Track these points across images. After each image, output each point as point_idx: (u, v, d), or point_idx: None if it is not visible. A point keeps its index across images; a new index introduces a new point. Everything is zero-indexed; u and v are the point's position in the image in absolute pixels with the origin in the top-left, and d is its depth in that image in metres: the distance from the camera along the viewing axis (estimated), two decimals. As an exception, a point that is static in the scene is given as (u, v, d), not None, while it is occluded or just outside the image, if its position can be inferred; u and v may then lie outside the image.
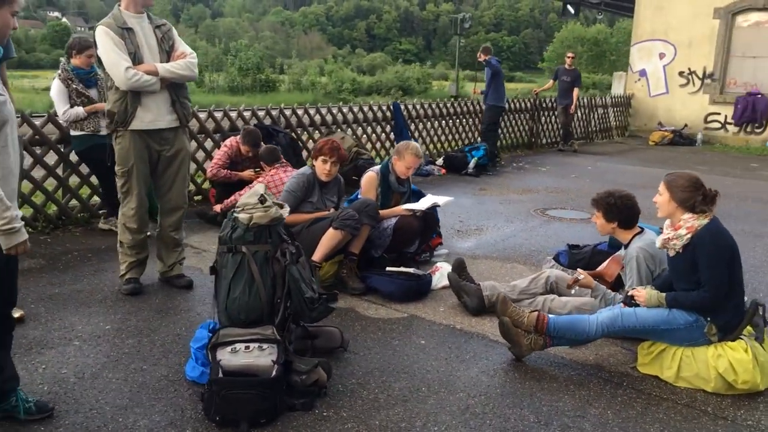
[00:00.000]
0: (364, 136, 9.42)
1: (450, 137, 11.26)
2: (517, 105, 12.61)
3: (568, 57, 13.20)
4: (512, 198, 8.33)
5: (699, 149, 14.42)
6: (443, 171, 9.96)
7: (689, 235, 3.36)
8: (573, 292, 4.13)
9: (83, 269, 4.96)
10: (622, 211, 3.97)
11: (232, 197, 6.11)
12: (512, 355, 3.71)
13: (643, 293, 3.56)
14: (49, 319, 4.01)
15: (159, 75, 4.17)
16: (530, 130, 13.11)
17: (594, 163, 11.62)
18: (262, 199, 3.36)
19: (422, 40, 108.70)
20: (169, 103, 4.31)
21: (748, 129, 14.82)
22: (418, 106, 10.53)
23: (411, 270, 4.69)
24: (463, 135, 11.49)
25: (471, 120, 11.61)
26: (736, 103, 14.76)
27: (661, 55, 15.87)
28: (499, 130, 11.59)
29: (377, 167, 5.19)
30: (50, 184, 5.98)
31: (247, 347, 3.14)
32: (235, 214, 3.35)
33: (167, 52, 4.30)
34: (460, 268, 4.58)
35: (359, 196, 5.12)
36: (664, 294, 3.50)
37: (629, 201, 3.99)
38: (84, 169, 6.12)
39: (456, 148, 10.96)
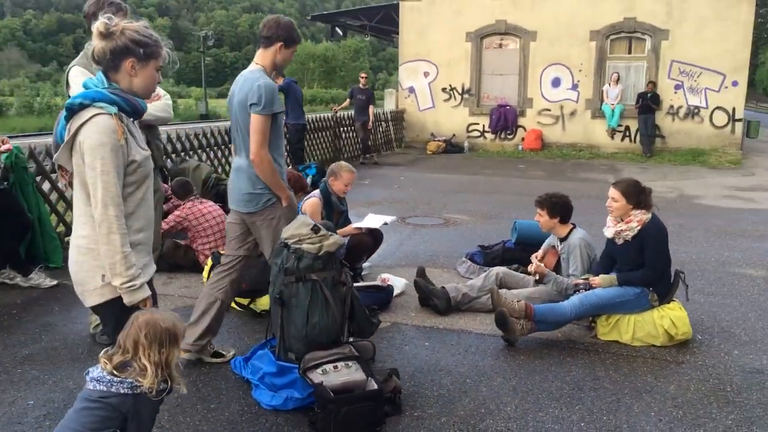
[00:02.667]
0: (208, 161, 9.36)
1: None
2: (320, 124, 13.32)
3: (362, 77, 14.28)
4: (363, 212, 8.97)
5: (469, 155, 16.52)
6: (281, 190, 10.25)
7: (639, 227, 4.36)
8: (537, 278, 4.93)
9: (25, 329, 4.53)
10: (563, 208, 4.88)
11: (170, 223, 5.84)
12: (504, 342, 4.41)
13: (598, 280, 4.49)
14: (35, 385, 3.73)
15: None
16: (333, 146, 13.91)
17: (401, 174, 12.80)
18: (315, 229, 3.61)
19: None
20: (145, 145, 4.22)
21: (502, 136, 17.31)
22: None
23: (374, 283, 5.13)
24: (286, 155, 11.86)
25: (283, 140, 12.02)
26: (491, 114, 17.16)
27: (426, 74, 17.77)
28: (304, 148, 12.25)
29: (316, 192, 5.50)
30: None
31: (335, 367, 3.41)
32: (296, 246, 3.55)
33: None
34: (423, 275, 5.14)
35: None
36: (614, 276, 4.47)
37: (567, 200, 4.92)
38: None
39: (289, 167, 11.29)
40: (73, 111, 2.44)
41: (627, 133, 16.50)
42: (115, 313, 2.54)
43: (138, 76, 2.54)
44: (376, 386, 3.34)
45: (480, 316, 4.92)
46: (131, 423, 2.28)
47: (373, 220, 5.53)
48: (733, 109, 15.77)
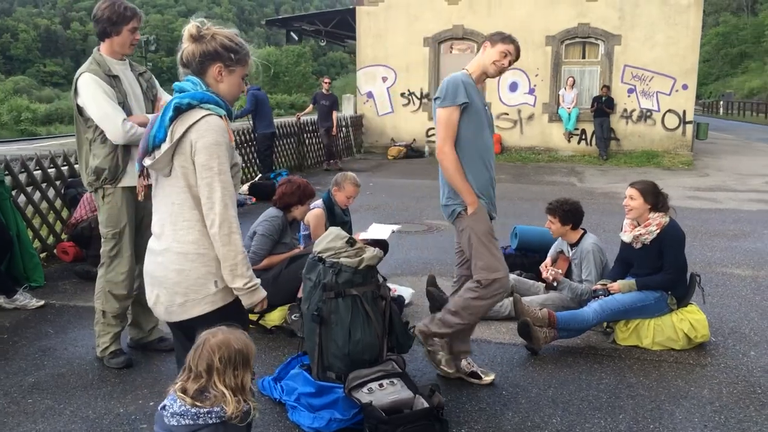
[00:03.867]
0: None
1: (245, 166, 11.32)
2: (285, 130, 13.10)
3: (325, 83, 14.11)
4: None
5: (430, 160, 16.51)
6: (254, 199, 10.02)
7: (658, 231, 4.37)
8: (547, 285, 4.89)
9: (23, 354, 4.23)
10: (575, 215, 4.87)
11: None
12: (527, 350, 4.35)
13: (616, 285, 4.49)
14: (51, 416, 3.47)
15: None
16: (298, 152, 13.69)
17: (369, 180, 12.66)
18: (351, 242, 3.48)
19: (71, 60, 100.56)
20: None
21: (462, 140, 17.37)
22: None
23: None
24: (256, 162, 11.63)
25: (252, 148, 11.77)
26: (451, 119, 17.20)
27: (384, 79, 17.71)
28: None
29: (319, 202, 5.33)
30: None
31: (380, 385, 3.28)
32: (333, 260, 3.40)
33: (152, 102, 3.99)
34: (434, 283, 5.04)
35: (308, 234, 5.22)
36: (633, 281, 4.47)
37: (578, 206, 4.91)
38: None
39: (258, 176, 11.06)
40: (180, 111, 2.30)
41: (583, 136, 16.82)
42: (216, 320, 2.34)
43: (224, 82, 2.44)
44: (425, 404, 3.22)
45: (495, 325, 4.85)
46: None
47: (378, 230, 5.39)
48: (684, 112, 16.26)
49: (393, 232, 5.40)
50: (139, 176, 2.52)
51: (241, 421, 2.11)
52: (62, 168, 6.53)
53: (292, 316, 4.60)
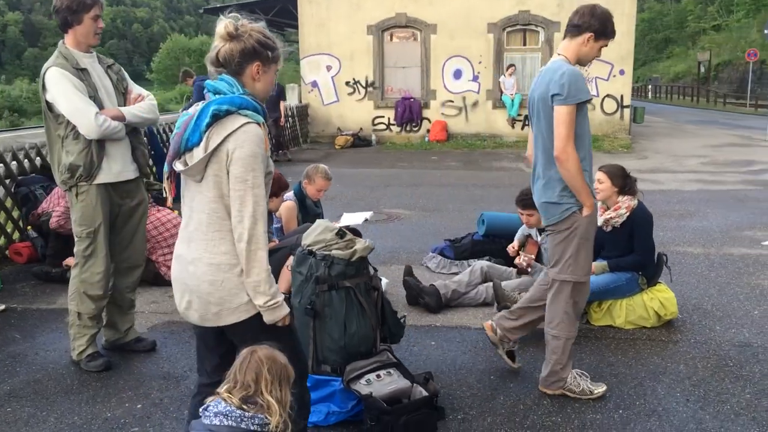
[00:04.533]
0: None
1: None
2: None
3: (271, 72, 13.87)
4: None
5: (378, 149, 16.53)
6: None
7: (627, 214, 4.50)
8: (519, 270, 4.98)
9: (-10, 360, 4.04)
10: None
11: None
12: (508, 335, 4.43)
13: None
14: (35, 424, 3.34)
15: (126, 120, 3.73)
16: (245, 144, 13.47)
17: (320, 170, 12.59)
18: (341, 234, 3.46)
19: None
20: (130, 152, 3.87)
21: (408, 128, 17.46)
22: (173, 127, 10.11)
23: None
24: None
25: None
26: (396, 107, 17.27)
27: (329, 68, 17.59)
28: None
29: (290, 194, 5.27)
30: None
31: (378, 376, 3.29)
32: (324, 252, 3.37)
33: (123, 95, 3.85)
34: (411, 273, 5.06)
35: (281, 227, 5.16)
36: (605, 263, 4.60)
37: None
38: None
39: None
40: (218, 118, 2.20)
41: (527, 122, 17.12)
42: (254, 327, 2.32)
43: (261, 80, 2.34)
44: (423, 392, 3.25)
45: (471, 311, 4.92)
46: None
47: (351, 219, 5.38)
48: (621, 97, 16.78)
49: (366, 220, 5.40)
50: (167, 178, 2.41)
51: None
52: (11, 165, 6.24)
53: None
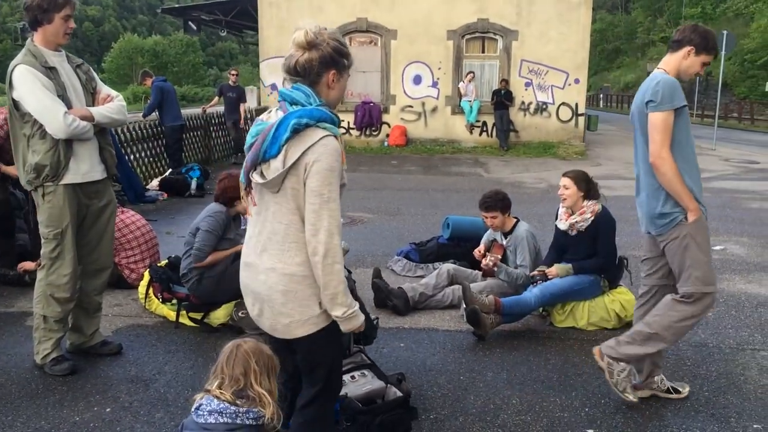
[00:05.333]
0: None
1: (153, 160, 10.91)
2: (191, 123, 12.72)
3: (231, 74, 13.77)
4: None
5: (337, 153, 16.52)
6: (165, 195, 9.69)
7: (592, 218, 4.63)
8: (485, 272, 5.06)
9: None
10: (509, 203, 5.07)
11: None
12: (475, 337, 4.51)
13: (554, 270, 4.72)
14: (0, 428, 3.27)
15: (94, 120, 3.68)
16: (205, 146, 13.33)
17: (280, 173, 12.55)
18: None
19: None
20: (98, 152, 3.82)
21: (367, 132, 17.53)
22: (132, 129, 9.96)
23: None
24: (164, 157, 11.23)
25: (160, 142, 11.36)
26: (356, 111, 17.31)
27: (288, 71, 17.49)
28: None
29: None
30: None
31: (352, 377, 3.33)
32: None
33: (92, 94, 3.80)
34: (379, 275, 5.10)
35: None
36: (569, 265, 4.73)
37: (505, 193, 5.11)
38: None
39: (168, 170, 10.69)
40: (298, 132, 2.18)
41: (485, 128, 17.39)
42: (321, 341, 2.33)
43: (335, 88, 2.32)
44: (398, 392, 3.29)
45: (438, 313, 4.99)
46: None
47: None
48: (576, 105, 17.17)
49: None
50: (245, 189, 2.38)
51: (273, 429, 2.10)
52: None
53: (239, 313, 4.53)
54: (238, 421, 2.03)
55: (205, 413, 2.04)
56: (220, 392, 2.05)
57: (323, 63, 2.26)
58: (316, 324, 2.31)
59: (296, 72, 2.28)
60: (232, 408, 2.03)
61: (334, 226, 2.19)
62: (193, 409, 2.09)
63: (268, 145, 2.21)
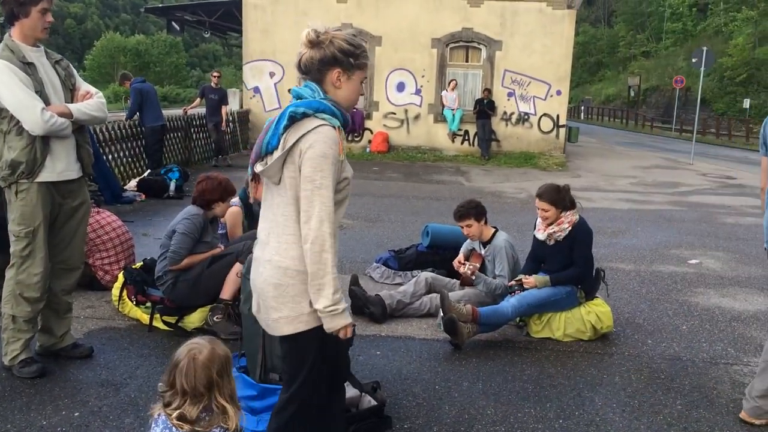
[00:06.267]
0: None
1: (132, 160, 10.79)
2: (171, 124, 12.61)
3: (214, 76, 13.67)
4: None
5: (319, 158, 16.48)
6: (143, 196, 9.59)
7: (569, 228, 4.65)
8: (462, 281, 5.05)
9: None
10: (482, 209, 5.07)
11: None
12: (452, 346, 4.50)
13: (531, 280, 4.73)
14: (-13, 425, 3.20)
15: (73, 117, 3.62)
16: (185, 147, 13.22)
17: (261, 177, 12.47)
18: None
19: None
20: (75, 150, 3.75)
21: (350, 138, 17.49)
22: (111, 128, 9.85)
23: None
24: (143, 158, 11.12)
25: (140, 142, 11.24)
26: (338, 117, 17.25)
27: (272, 74, 17.48)
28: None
29: (236, 200, 5.20)
30: None
31: (326, 385, 3.27)
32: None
33: (71, 91, 3.74)
34: (356, 282, 5.07)
35: (225, 233, 5.10)
36: (547, 277, 4.73)
37: (479, 202, 5.11)
38: None
39: (146, 171, 10.58)
40: (294, 120, 2.23)
41: (466, 137, 17.46)
42: (313, 340, 2.31)
43: (342, 87, 2.35)
44: (372, 401, 3.26)
45: (415, 322, 4.97)
46: None
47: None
48: (557, 116, 17.30)
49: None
50: (251, 180, 2.42)
51: None
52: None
53: (214, 318, 4.48)
54: None
55: None
56: (179, 422, 1.96)
57: (324, 61, 2.31)
58: (306, 323, 2.30)
59: (300, 68, 2.37)
60: None
61: (325, 213, 2.20)
62: (151, 427, 2.01)
63: (270, 137, 2.27)
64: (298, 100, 2.32)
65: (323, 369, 2.39)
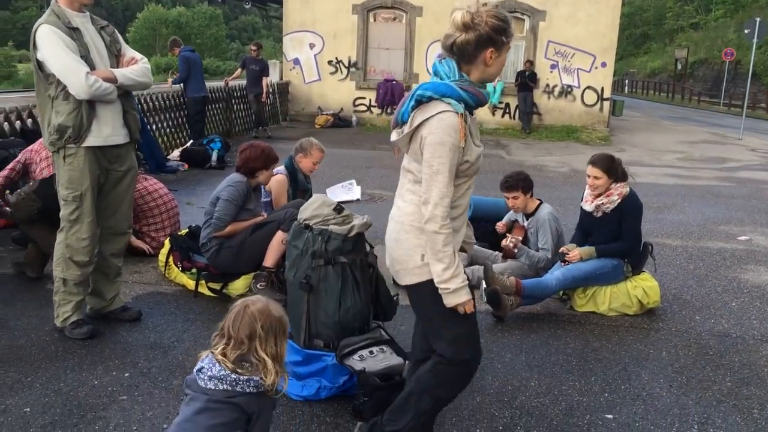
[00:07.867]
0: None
1: (175, 131, 10.91)
2: (213, 95, 12.69)
3: (252, 49, 13.66)
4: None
5: (358, 130, 16.47)
6: (186, 166, 9.70)
7: (619, 200, 4.55)
8: (517, 252, 5.00)
9: (-30, 324, 3.95)
10: (530, 181, 5.00)
11: None
12: (494, 318, 4.47)
13: (576, 253, 4.65)
14: (20, 389, 3.29)
15: (118, 82, 3.65)
16: (226, 118, 13.31)
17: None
18: (338, 209, 3.45)
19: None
20: (122, 116, 3.79)
21: (389, 111, 17.40)
22: (155, 98, 9.98)
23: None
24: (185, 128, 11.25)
25: (183, 112, 11.34)
26: (378, 89, 17.18)
27: (312, 45, 17.42)
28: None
29: (281, 168, 5.22)
30: None
31: (371, 352, 3.29)
32: (321, 227, 3.35)
33: (116, 57, 3.76)
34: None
35: (270, 200, 5.13)
36: (593, 248, 4.65)
37: (527, 174, 5.04)
38: None
39: (189, 141, 10.70)
40: (420, 103, 2.33)
41: (507, 110, 17.21)
42: (430, 293, 2.41)
43: (493, 64, 2.38)
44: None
45: (457, 293, 4.93)
46: (256, 424, 2.07)
47: (339, 193, 5.35)
48: (602, 89, 16.91)
49: (358, 199, 5.37)
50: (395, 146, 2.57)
51: (276, 394, 2.08)
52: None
53: (257, 285, 4.52)
54: (238, 389, 2.02)
55: (206, 378, 2.03)
56: (223, 357, 2.03)
57: (479, 43, 2.32)
58: (419, 275, 2.42)
59: (452, 51, 2.36)
60: (233, 376, 2.01)
61: (439, 198, 2.30)
62: (195, 370, 2.07)
63: (403, 111, 2.40)
64: (435, 78, 2.37)
65: (455, 323, 2.47)
